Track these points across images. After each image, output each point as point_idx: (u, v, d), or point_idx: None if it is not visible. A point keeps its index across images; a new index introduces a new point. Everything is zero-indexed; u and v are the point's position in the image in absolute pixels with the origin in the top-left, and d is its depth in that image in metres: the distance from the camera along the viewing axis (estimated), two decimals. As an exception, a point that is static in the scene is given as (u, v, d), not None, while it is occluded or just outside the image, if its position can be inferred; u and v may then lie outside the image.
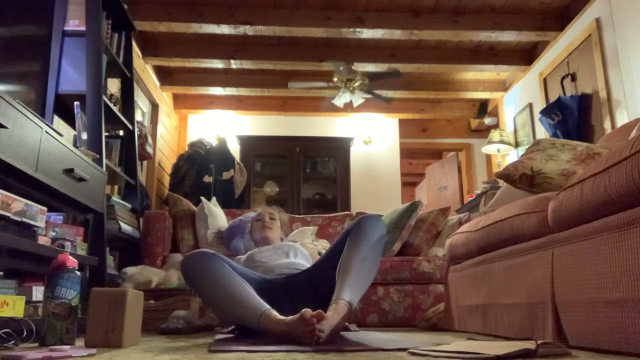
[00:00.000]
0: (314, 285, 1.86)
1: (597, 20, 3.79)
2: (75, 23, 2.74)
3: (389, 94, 5.51)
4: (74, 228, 2.18)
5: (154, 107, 5.13)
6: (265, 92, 5.48)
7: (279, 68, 5.04)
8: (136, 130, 3.29)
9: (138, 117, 4.54)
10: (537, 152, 1.90)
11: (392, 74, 4.73)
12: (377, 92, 5.02)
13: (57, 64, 2.66)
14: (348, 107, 5.27)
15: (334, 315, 1.46)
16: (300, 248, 2.28)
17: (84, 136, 2.60)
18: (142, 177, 4.58)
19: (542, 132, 4.63)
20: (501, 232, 1.71)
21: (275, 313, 1.52)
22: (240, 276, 1.70)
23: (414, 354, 1.14)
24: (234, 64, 4.85)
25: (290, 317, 1.42)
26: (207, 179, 4.95)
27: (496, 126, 5.81)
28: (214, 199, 3.62)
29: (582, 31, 3.97)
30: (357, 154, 6.07)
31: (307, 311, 1.37)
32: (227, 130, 5.93)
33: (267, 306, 1.55)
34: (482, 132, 6.38)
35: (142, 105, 4.79)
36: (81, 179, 2.09)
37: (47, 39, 2.66)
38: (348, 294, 1.56)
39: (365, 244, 1.69)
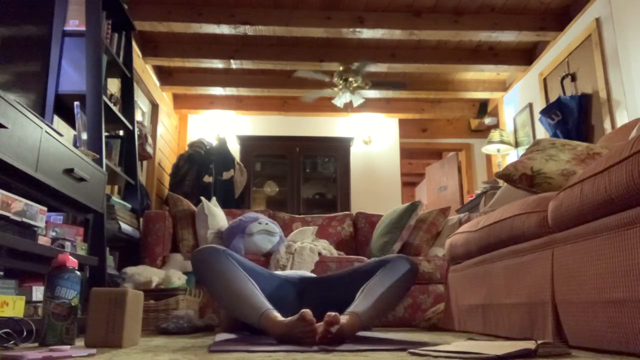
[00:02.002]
0: (325, 293, 1.89)
1: (597, 20, 3.79)
2: (75, 23, 2.74)
3: (389, 94, 5.51)
4: (74, 228, 2.18)
5: (154, 107, 5.13)
6: (265, 92, 5.47)
7: (279, 68, 5.04)
8: (136, 130, 3.29)
9: (138, 117, 4.54)
10: (537, 152, 1.90)
11: (397, 84, 4.74)
12: (376, 91, 5.03)
13: (57, 64, 2.66)
14: (348, 107, 5.27)
15: (345, 323, 1.44)
16: None
17: (84, 136, 2.60)
18: (142, 177, 4.58)
19: (542, 132, 4.63)
20: (501, 232, 1.71)
21: (275, 313, 1.51)
22: (247, 273, 1.70)
23: (414, 354, 1.14)
24: (234, 64, 4.85)
25: (289, 318, 1.42)
26: (207, 179, 4.95)
27: (496, 126, 5.81)
28: (214, 199, 3.62)
29: (582, 31, 3.97)
30: (357, 154, 6.07)
31: (307, 312, 1.36)
32: (227, 130, 5.93)
33: (269, 306, 1.54)
34: (482, 132, 6.38)
35: (142, 105, 4.79)
36: (81, 179, 2.09)
37: (47, 39, 2.65)
38: (364, 310, 1.56)
39: (396, 280, 1.74)
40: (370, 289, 1.67)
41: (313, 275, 2.09)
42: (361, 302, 1.60)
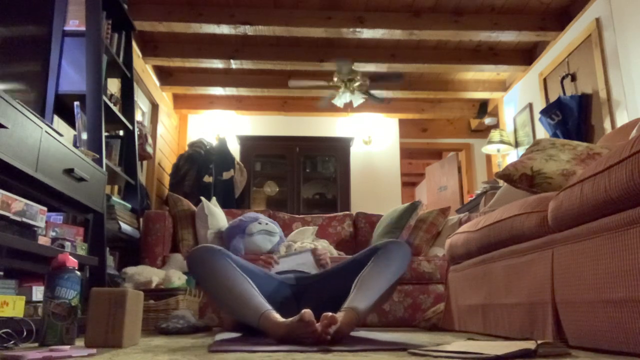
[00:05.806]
0: (323, 292, 1.86)
1: (597, 20, 3.79)
2: (75, 23, 2.74)
3: (389, 94, 5.51)
4: (74, 228, 2.18)
5: (154, 107, 5.13)
6: (265, 92, 5.48)
7: (279, 68, 5.04)
8: (136, 130, 3.29)
9: (138, 117, 4.54)
10: (537, 152, 1.90)
11: (393, 75, 4.73)
12: (376, 92, 5.03)
13: (57, 64, 2.66)
14: (348, 107, 5.28)
15: (342, 321, 1.43)
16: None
17: (84, 136, 2.60)
18: (142, 177, 4.58)
19: (542, 132, 4.63)
20: (501, 232, 1.71)
21: (275, 314, 1.49)
22: (245, 274, 1.67)
23: (414, 354, 1.14)
24: (234, 64, 4.85)
25: (290, 319, 1.40)
26: (207, 179, 4.95)
27: (496, 126, 5.81)
28: (214, 199, 3.62)
29: (582, 31, 3.97)
30: (357, 154, 6.07)
31: (307, 312, 1.35)
32: (227, 130, 5.93)
33: (268, 307, 1.52)
34: (482, 132, 6.38)
35: (142, 105, 4.79)
36: (81, 179, 2.09)
37: (47, 39, 2.66)
38: (360, 304, 1.54)
39: (388, 266, 1.71)
40: (364, 279, 1.64)
41: (308, 272, 2.06)
42: (356, 295, 1.57)
